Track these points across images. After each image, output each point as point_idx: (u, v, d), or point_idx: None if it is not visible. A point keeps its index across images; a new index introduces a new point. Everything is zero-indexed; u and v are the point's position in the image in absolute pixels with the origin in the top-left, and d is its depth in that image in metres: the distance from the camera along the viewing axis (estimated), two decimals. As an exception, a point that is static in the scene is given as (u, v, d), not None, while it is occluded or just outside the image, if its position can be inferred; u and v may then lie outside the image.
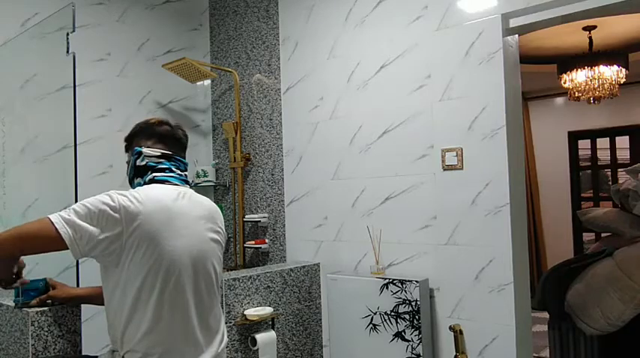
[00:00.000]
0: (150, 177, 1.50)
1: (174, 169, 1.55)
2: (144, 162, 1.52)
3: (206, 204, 1.55)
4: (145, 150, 1.53)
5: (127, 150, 1.63)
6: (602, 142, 6.00)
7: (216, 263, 1.52)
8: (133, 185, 1.55)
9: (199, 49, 3.53)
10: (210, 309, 1.49)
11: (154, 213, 1.35)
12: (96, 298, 1.62)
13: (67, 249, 1.29)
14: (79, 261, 1.85)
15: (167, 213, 1.39)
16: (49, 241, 1.29)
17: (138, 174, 1.53)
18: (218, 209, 1.60)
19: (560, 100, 6.12)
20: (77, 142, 1.89)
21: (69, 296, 1.66)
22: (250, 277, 2.46)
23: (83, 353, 1.74)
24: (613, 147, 5.95)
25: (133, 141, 1.59)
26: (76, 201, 1.86)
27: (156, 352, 1.34)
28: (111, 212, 1.31)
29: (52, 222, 1.28)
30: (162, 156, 1.54)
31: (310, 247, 2.89)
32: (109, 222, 1.30)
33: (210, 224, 1.52)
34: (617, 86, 4.05)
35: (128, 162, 1.60)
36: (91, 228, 1.29)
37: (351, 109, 2.72)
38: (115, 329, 1.38)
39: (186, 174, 1.59)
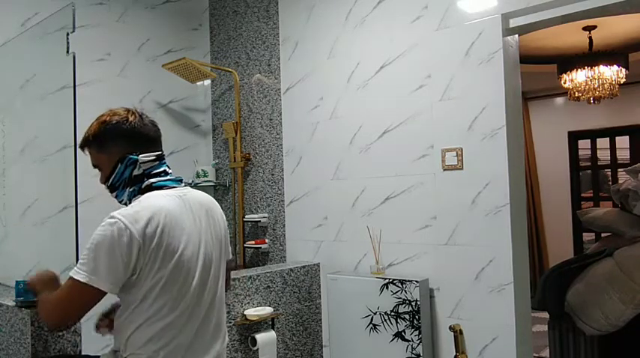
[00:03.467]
0: (146, 183, 1.42)
1: (167, 171, 1.48)
2: (140, 171, 1.42)
3: (204, 200, 1.52)
4: (141, 158, 1.42)
5: (85, 147, 1.46)
6: (602, 142, 5.99)
7: (222, 262, 1.52)
8: (120, 191, 1.44)
9: (199, 49, 3.53)
10: (216, 311, 1.49)
11: (165, 224, 1.33)
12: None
13: (106, 293, 1.29)
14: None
15: (176, 221, 1.36)
16: (87, 297, 1.28)
17: (132, 183, 1.43)
18: (214, 201, 1.56)
19: (560, 100, 6.12)
20: (77, 142, 1.88)
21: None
22: (250, 277, 2.45)
23: (83, 353, 1.74)
24: (613, 147, 5.94)
25: (105, 141, 1.42)
26: (76, 201, 1.86)
27: (160, 354, 1.34)
28: (125, 240, 1.27)
29: (78, 280, 1.26)
30: (157, 158, 1.46)
31: (310, 247, 2.89)
32: (127, 250, 1.27)
33: (211, 221, 1.50)
34: (617, 86, 4.04)
35: (98, 165, 1.45)
36: (114, 263, 1.27)
37: (351, 109, 2.72)
38: (122, 335, 1.37)
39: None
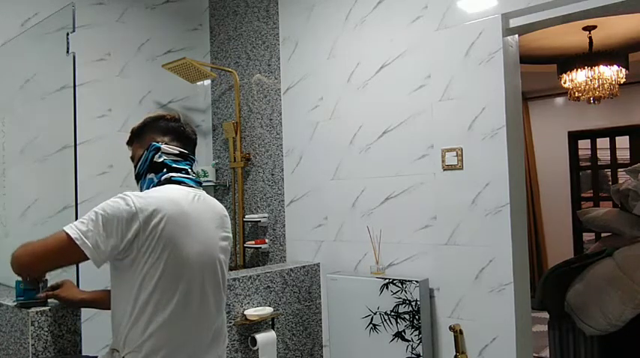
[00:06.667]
0: (166, 176, 1.47)
1: (189, 171, 1.53)
2: (161, 159, 1.48)
3: (217, 207, 1.55)
4: (163, 146, 1.49)
5: (130, 143, 1.57)
6: (602, 142, 6.00)
7: (224, 267, 1.54)
8: (142, 180, 1.51)
9: (199, 49, 3.53)
10: (216, 312, 1.49)
11: (172, 216, 1.35)
12: (100, 303, 1.60)
13: (88, 259, 1.30)
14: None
15: (184, 216, 1.38)
16: (69, 255, 1.31)
17: (152, 171, 1.49)
18: (226, 212, 1.60)
19: (560, 100, 6.13)
20: (77, 142, 1.89)
21: (73, 299, 1.64)
22: (250, 277, 2.46)
23: (83, 353, 1.74)
24: (613, 147, 5.95)
25: (143, 134, 1.53)
26: (76, 201, 1.87)
27: (159, 353, 1.34)
28: (126, 215, 1.30)
29: (69, 235, 1.28)
30: (180, 154, 1.52)
31: (310, 247, 2.89)
32: (125, 226, 1.29)
33: (220, 230, 1.52)
34: (617, 86, 4.05)
35: (134, 157, 1.55)
36: (108, 234, 1.29)
37: (351, 109, 2.72)
38: (120, 330, 1.37)
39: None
